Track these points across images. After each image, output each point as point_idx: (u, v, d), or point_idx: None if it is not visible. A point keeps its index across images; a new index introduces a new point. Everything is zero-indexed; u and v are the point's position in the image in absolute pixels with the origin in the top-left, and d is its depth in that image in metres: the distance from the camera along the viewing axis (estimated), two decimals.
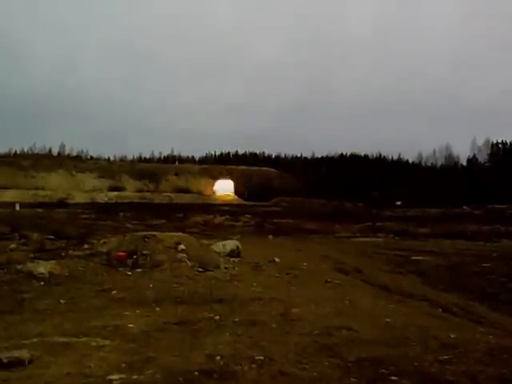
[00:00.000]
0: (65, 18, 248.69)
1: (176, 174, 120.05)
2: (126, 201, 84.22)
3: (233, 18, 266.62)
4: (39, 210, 49.60)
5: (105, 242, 17.71)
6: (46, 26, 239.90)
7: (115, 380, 5.73)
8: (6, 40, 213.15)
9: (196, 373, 6.03)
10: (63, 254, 17.04)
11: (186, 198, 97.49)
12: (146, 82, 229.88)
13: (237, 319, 9.18)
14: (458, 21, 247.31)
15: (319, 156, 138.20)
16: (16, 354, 6.44)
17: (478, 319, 10.25)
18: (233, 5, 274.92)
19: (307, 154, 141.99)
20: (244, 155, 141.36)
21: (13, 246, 18.65)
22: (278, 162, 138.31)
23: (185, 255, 15.78)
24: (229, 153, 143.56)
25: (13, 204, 56.08)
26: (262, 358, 6.69)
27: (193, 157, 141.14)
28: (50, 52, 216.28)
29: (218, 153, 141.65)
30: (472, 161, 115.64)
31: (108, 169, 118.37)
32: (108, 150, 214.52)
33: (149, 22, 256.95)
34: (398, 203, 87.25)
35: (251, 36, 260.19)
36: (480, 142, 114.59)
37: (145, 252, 15.67)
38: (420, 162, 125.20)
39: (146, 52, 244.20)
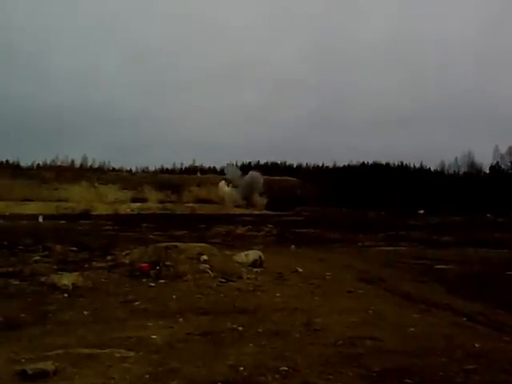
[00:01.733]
0: (88, 31, 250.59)
1: (198, 185, 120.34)
2: (148, 212, 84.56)
3: (252, 28, 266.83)
4: (62, 222, 49.86)
5: (127, 254, 17.78)
6: (68, 39, 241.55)
7: None
8: (27, 52, 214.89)
9: (219, 383, 6.02)
10: (86, 265, 17.11)
11: (208, 209, 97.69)
12: (167, 94, 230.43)
13: (260, 330, 9.18)
14: (480, 27, 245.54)
15: (341, 165, 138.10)
16: (41, 365, 6.48)
17: (502, 328, 10.12)
18: (251, 17, 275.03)
19: (329, 164, 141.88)
20: (266, 165, 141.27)
21: (36, 258, 18.77)
22: (299, 171, 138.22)
23: (207, 266, 15.79)
24: (250, 163, 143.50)
25: (36, 216, 56.46)
26: (285, 368, 6.67)
27: (214, 167, 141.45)
28: (72, 64, 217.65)
29: (239, 163, 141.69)
30: (495, 168, 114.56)
31: (130, 180, 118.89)
32: (130, 162, 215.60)
33: (168, 35, 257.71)
34: (421, 212, 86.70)
35: (270, 46, 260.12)
36: (503, 150, 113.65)
37: (167, 263, 15.69)
38: (442, 169, 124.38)
39: (166, 64, 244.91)
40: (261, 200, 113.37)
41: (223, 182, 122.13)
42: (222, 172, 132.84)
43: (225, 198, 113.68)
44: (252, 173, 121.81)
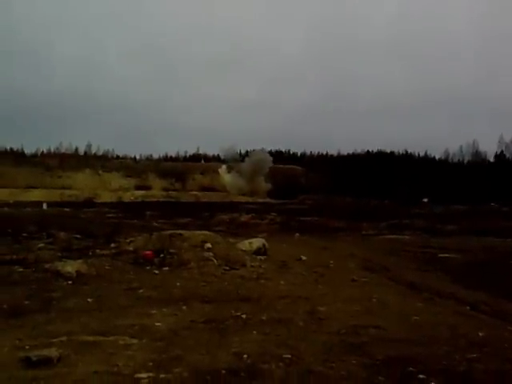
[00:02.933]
0: (89, 19, 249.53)
1: (202, 173, 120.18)
2: (152, 200, 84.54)
3: (253, 16, 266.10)
4: (66, 210, 49.86)
5: (131, 241, 17.80)
6: (71, 27, 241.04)
7: (143, 378, 5.75)
8: (30, 40, 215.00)
9: (223, 371, 6.04)
10: (90, 253, 17.15)
11: (212, 197, 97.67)
12: (170, 82, 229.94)
13: (264, 317, 9.19)
14: (484, 17, 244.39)
15: (345, 153, 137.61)
16: (44, 352, 6.50)
17: (506, 317, 10.12)
18: (252, 5, 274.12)
19: (333, 152, 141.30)
20: (270, 153, 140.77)
21: (41, 245, 18.82)
22: (303, 159, 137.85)
23: (211, 254, 15.81)
24: (254, 150, 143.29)
25: (40, 204, 56.51)
26: (289, 356, 6.68)
27: (218, 155, 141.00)
28: (76, 52, 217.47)
29: (243, 151, 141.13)
30: (499, 157, 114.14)
31: (134, 168, 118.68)
32: (134, 150, 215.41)
33: (170, 21, 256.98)
34: (425, 200, 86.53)
35: (272, 34, 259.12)
36: (507, 139, 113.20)
37: (171, 251, 15.73)
38: (447, 158, 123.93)
39: (168, 51, 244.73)
40: (265, 186, 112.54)
41: (223, 168, 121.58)
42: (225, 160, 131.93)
43: (227, 187, 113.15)
44: (258, 152, 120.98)
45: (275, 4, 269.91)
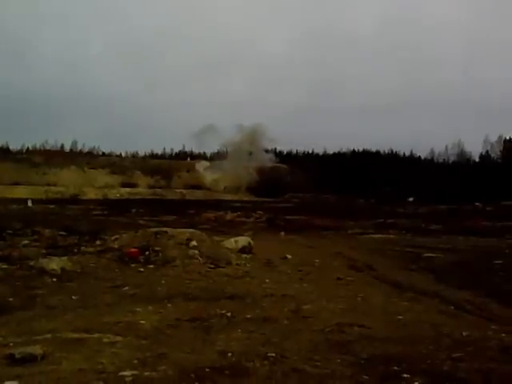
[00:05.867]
0: (75, 15, 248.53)
1: (188, 171, 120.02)
2: (137, 197, 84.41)
3: (240, 13, 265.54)
4: (51, 207, 49.73)
5: (117, 239, 17.76)
6: (55, 24, 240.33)
7: (127, 376, 5.73)
8: (16, 37, 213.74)
9: (208, 369, 6.03)
10: (75, 250, 17.08)
11: (197, 195, 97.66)
12: (156, 79, 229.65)
13: (249, 316, 9.20)
14: (471, 17, 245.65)
15: (331, 152, 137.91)
16: (28, 349, 6.46)
17: (490, 316, 10.19)
18: (238, 3, 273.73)
19: (319, 151, 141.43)
20: None
21: (25, 242, 18.74)
22: (289, 158, 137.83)
23: (196, 251, 15.82)
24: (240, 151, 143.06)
25: (25, 200, 56.26)
26: (274, 354, 6.68)
27: (204, 153, 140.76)
28: (61, 49, 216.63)
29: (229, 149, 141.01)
30: (484, 157, 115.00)
31: (120, 165, 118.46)
32: (120, 147, 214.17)
33: (155, 19, 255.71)
34: (410, 199, 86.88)
35: (258, 32, 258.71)
36: (493, 139, 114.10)
37: (157, 248, 15.73)
38: (432, 158, 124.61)
39: (155, 49, 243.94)
40: (247, 178, 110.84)
41: (200, 166, 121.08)
42: (211, 158, 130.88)
43: (207, 185, 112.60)
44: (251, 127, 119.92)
45: (261, 2, 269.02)
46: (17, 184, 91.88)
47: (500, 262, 18.27)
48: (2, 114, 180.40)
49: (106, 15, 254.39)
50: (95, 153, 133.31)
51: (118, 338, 7.41)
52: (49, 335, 7.43)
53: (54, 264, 13.72)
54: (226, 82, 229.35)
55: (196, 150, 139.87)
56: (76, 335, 7.48)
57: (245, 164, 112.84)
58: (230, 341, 7.41)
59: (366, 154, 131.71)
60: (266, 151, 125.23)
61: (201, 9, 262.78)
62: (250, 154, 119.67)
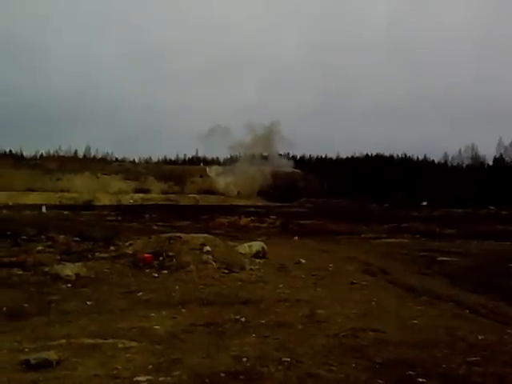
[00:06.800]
0: (87, 21, 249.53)
1: (201, 176, 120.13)
2: (151, 203, 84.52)
3: (252, 19, 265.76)
4: (65, 213, 49.91)
5: (131, 244, 17.78)
6: (68, 30, 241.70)
7: (142, 381, 5.76)
8: (29, 43, 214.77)
9: (222, 374, 6.04)
10: (89, 256, 17.12)
11: (211, 200, 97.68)
12: (169, 84, 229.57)
13: (263, 321, 9.19)
14: (483, 18, 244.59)
15: (344, 157, 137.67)
16: (43, 355, 6.50)
17: (505, 320, 10.12)
18: (250, 7, 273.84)
19: (332, 155, 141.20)
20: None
21: (39, 248, 18.81)
22: (302, 162, 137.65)
23: (210, 257, 15.80)
24: (253, 155, 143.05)
25: (39, 206, 56.48)
26: (288, 359, 6.68)
27: (217, 158, 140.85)
28: (74, 55, 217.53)
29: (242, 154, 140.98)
30: (498, 160, 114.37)
31: (133, 171, 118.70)
32: (133, 152, 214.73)
33: (165, 24, 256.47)
34: (424, 204, 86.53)
35: (270, 36, 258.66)
36: (506, 142, 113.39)
37: (170, 253, 15.73)
38: (446, 162, 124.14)
39: (169, 54, 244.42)
40: (259, 181, 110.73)
41: (211, 171, 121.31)
42: (225, 163, 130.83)
43: (220, 190, 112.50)
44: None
45: (270, 6, 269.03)
46: (31, 190, 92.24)
47: None
48: (15, 121, 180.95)
49: (120, 21, 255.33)
50: (109, 159, 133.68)
51: (133, 344, 7.43)
52: (64, 341, 7.46)
53: (69, 270, 13.77)
54: (237, 86, 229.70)
55: (209, 155, 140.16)
56: (91, 341, 7.51)
57: (258, 168, 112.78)
58: (245, 346, 7.41)
59: (379, 158, 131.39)
60: (280, 155, 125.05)
61: (213, 15, 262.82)
62: (265, 157, 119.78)
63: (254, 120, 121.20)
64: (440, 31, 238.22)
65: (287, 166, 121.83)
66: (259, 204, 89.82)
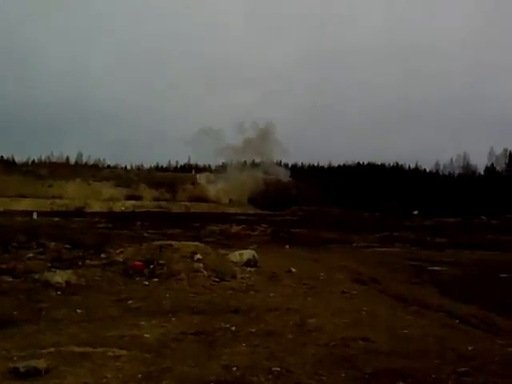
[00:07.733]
0: (80, 26, 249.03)
1: (193, 183, 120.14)
2: (142, 210, 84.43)
3: (244, 27, 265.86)
4: (56, 219, 49.68)
5: (121, 252, 17.75)
6: (59, 36, 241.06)
7: None
8: (20, 49, 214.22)
9: (212, 383, 6.03)
10: (80, 263, 17.04)
11: (202, 208, 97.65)
12: (161, 92, 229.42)
13: (253, 330, 9.19)
14: (475, 28, 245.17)
15: (336, 165, 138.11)
16: (33, 363, 6.47)
17: (496, 331, 10.15)
18: (244, 15, 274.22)
19: (324, 163, 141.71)
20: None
21: (30, 254, 18.69)
22: (294, 170, 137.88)
23: (201, 265, 15.79)
24: (245, 161, 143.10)
25: (30, 213, 56.29)
26: (278, 369, 6.68)
27: (209, 166, 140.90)
28: (66, 61, 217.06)
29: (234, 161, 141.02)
30: (489, 170, 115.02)
31: (125, 178, 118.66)
32: (125, 159, 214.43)
33: (163, 33, 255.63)
34: (415, 213, 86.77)
35: (265, 44, 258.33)
36: (498, 151, 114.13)
37: (161, 262, 15.70)
38: (437, 171, 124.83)
39: (161, 62, 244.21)
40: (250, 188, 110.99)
41: (201, 178, 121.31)
42: (216, 171, 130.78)
43: (212, 197, 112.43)
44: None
45: (262, 16, 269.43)
46: (22, 196, 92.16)
47: (505, 275, 18.26)
48: (7, 127, 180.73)
49: (112, 28, 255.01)
50: (100, 165, 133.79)
51: (123, 352, 7.41)
52: (53, 349, 7.43)
53: (59, 277, 13.71)
54: (231, 94, 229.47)
55: (201, 162, 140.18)
56: (80, 349, 7.49)
57: (250, 174, 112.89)
58: (235, 355, 7.40)
59: (370, 166, 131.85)
60: (276, 163, 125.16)
61: (207, 23, 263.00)
62: (257, 164, 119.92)
63: (247, 122, 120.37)
64: (434, 42, 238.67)
65: (284, 176, 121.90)
66: (250, 212, 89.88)
